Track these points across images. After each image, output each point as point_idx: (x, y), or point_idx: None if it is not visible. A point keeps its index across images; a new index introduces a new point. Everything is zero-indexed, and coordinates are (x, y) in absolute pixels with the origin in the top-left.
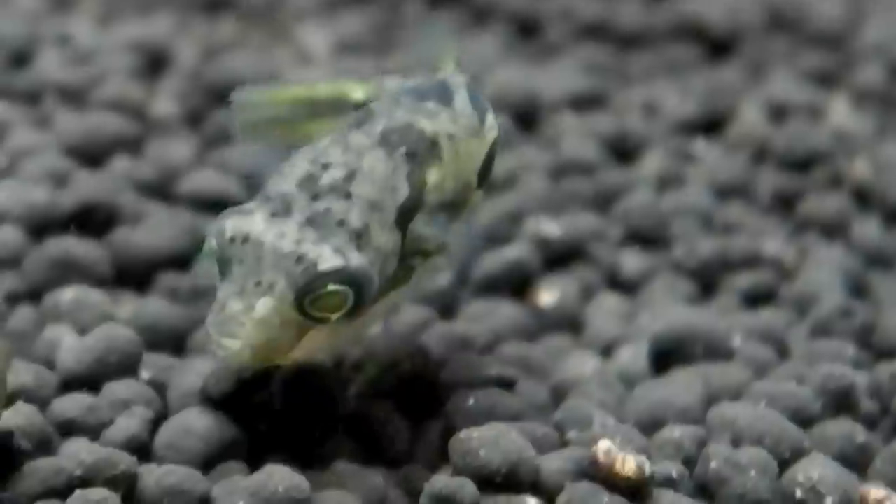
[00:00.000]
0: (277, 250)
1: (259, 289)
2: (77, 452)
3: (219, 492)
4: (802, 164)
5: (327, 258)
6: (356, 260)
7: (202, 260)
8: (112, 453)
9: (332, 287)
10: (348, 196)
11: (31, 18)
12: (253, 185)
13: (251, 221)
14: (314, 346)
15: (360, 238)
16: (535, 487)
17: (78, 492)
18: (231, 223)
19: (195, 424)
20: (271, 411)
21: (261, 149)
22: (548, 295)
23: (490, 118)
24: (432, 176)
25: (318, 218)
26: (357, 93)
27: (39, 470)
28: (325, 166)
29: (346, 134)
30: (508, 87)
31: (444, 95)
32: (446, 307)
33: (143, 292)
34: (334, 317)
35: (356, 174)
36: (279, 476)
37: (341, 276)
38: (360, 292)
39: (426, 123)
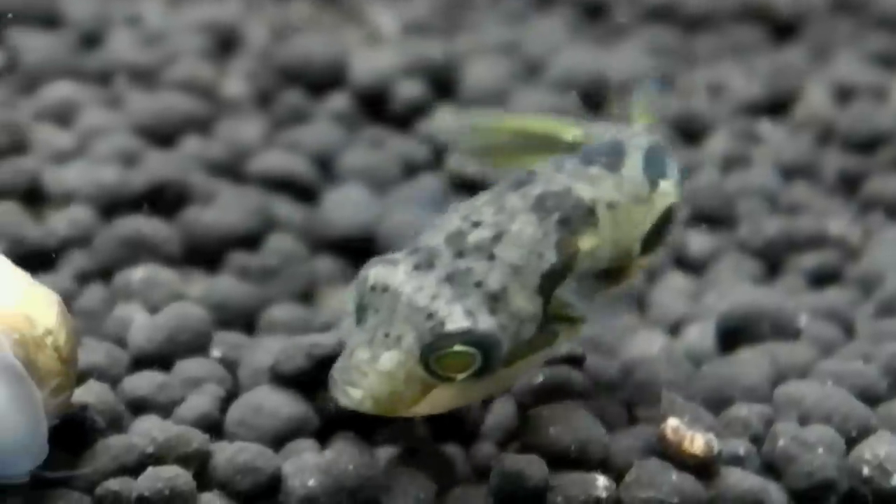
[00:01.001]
0: (412, 304)
1: (388, 340)
2: (149, 430)
3: (289, 469)
4: (867, 144)
5: (456, 318)
6: (485, 324)
7: (344, 311)
8: (184, 431)
9: (457, 348)
10: (492, 257)
11: (102, 0)
12: (325, 165)
13: (394, 272)
14: (439, 404)
15: (495, 301)
16: (604, 465)
17: (150, 469)
18: (374, 272)
19: (266, 402)
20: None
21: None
22: None
23: (666, 184)
24: (586, 243)
25: (457, 276)
26: (568, 134)
27: (112, 447)
28: (476, 224)
29: (503, 193)
30: (575, 68)
31: (614, 159)
32: None
33: (213, 271)
34: (459, 377)
35: (503, 236)
36: (349, 453)
37: (467, 337)
38: (486, 355)
39: (585, 190)
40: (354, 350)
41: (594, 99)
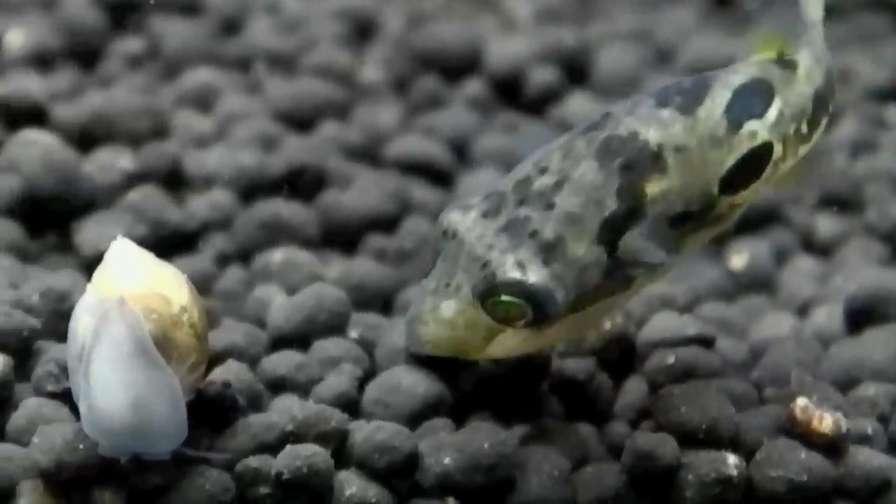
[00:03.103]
0: (472, 252)
1: (448, 289)
2: (289, 408)
3: (426, 447)
4: None
5: (507, 269)
6: (535, 276)
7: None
8: (323, 409)
9: (505, 298)
10: (550, 206)
11: None
12: (460, 150)
13: (465, 218)
14: (511, 348)
15: (549, 251)
16: (735, 444)
17: (289, 447)
18: (449, 217)
19: (403, 381)
20: (476, 369)
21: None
22: (738, 258)
23: (756, 124)
24: (653, 188)
25: (515, 224)
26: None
27: (251, 426)
28: (542, 171)
29: (574, 138)
30: (705, 55)
31: (691, 99)
32: None
33: (351, 253)
34: (515, 325)
35: (564, 183)
36: (485, 432)
37: (516, 289)
38: (538, 307)
39: (653, 133)
40: (422, 299)
41: None
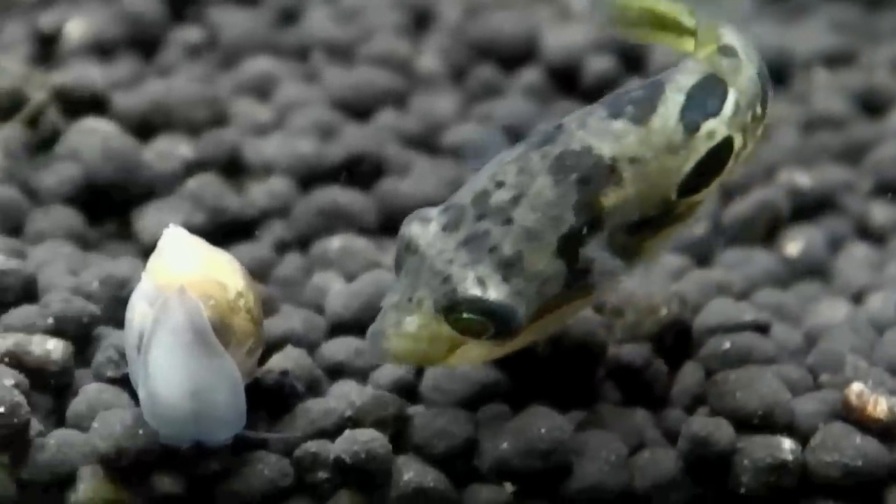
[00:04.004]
0: (433, 267)
1: (411, 305)
2: (347, 394)
3: (483, 433)
4: None
5: (468, 285)
6: (495, 293)
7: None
8: (381, 395)
9: (467, 315)
10: (509, 221)
11: None
12: (517, 138)
13: (426, 232)
14: (472, 357)
15: (508, 267)
16: (790, 429)
17: (347, 432)
18: (410, 230)
19: (460, 367)
20: (534, 355)
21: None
22: (793, 245)
23: (714, 123)
24: (610, 200)
25: (475, 239)
26: (688, 22)
27: (310, 411)
28: (499, 185)
29: (528, 151)
30: (761, 44)
31: (644, 108)
32: (702, 255)
33: None
34: (480, 338)
35: (521, 199)
36: (541, 417)
37: (477, 306)
38: (499, 323)
39: (606, 147)
40: (386, 312)
41: (778, 75)
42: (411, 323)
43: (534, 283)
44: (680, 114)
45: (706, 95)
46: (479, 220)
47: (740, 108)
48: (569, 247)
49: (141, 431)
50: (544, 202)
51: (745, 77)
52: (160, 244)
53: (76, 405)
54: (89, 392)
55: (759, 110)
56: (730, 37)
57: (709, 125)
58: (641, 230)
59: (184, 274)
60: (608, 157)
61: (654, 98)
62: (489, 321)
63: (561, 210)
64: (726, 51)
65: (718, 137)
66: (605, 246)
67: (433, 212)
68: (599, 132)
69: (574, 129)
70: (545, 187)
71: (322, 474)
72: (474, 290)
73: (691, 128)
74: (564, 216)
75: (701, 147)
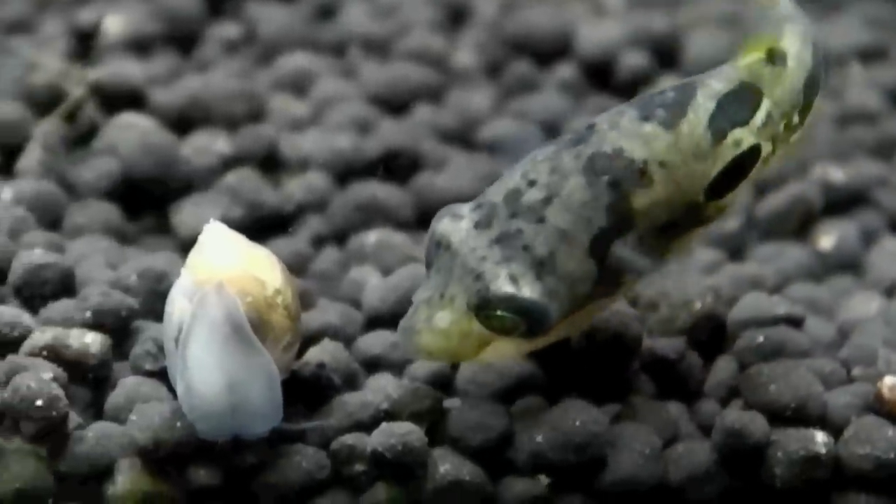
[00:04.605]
0: (465, 264)
1: (442, 300)
2: (384, 387)
3: (518, 426)
4: None
5: (501, 283)
6: (528, 290)
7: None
8: (418, 388)
9: (500, 313)
10: (541, 220)
11: None
12: (553, 133)
13: (457, 228)
14: (502, 354)
15: (541, 266)
16: (823, 421)
17: (384, 425)
18: (441, 227)
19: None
20: (569, 349)
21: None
22: (826, 239)
23: (741, 132)
24: (640, 201)
25: (507, 237)
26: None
27: (347, 404)
28: (531, 183)
29: (560, 151)
30: None
31: (675, 112)
32: (736, 249)
33: None
34: (512, 335)
35: (554, 199)
36: (576, 410)
37: (510, 304)
38: (532, 321)
39: (637, 150)
40: (417, 309)
41: None
42: (442, 319)
43: (566, 283)
44: (709, 121)
45: (737, 104)
46: (512, 219)
47: (772, 118)
48: (600, 248)
49: (178, 424)
50: (577, 203)
51: (786, 87)
52: (200, 239)
53: (115, 398)
54: (127, 385)
55: (795, 118)
56: (789, 38)
57: (736, 134)
58: (670, 231)
59: (223, 270)
60: (639, 160)
61: (684, 103)
62: (521, 319)
63: (593, 211)
64: (774, 56)
65: (745, 146)
66: (634, 246)
67: (464, 208)
68: (631, 134)
69: (606, 130)
70: (578, 188)
71: (358, 467)
72: (507, 288)
73: (719, 135)
74: (596, 218)
75: (727, 154)
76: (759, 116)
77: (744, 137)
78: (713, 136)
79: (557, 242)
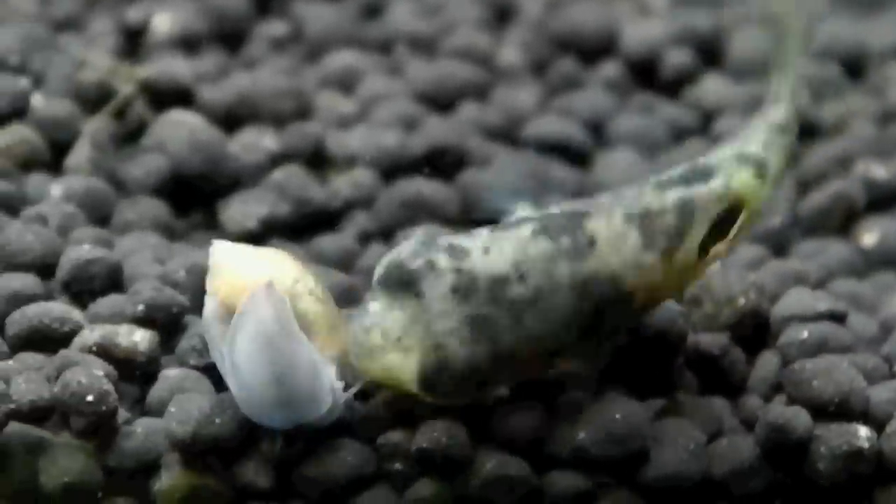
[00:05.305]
0: (429, 328)
1: (398, 344)
2: None
3: (562, 421)
4: None
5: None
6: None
7: None
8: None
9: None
10: (518, 321)
11: None
12: (597, 130)
13: (435, 279)
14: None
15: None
16: (866, 416)
17: (428, 421)
18: (418, 264)
19: None
20: (613, 344)
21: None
22: (869, 236)
23: (720, 247)
24: (611, 318)
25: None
26: None
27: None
28: (521, 278)
29: (558, 253)
30: (837, 38)
31: (675, 241)
32: (779, 246)
33: None
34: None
35: (539, 303)
36: (616, 403)
37: None
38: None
39: (631, 278)
40: (369, 330)
41: (854, 68)
42: (392, 360)
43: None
44: (699, 246)
45: (725, 224)
46: (490, 305)
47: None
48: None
49: (218, 420)
50: (560, 317)
51: (761, 197)
52: (211, 263)
53: (157, 391)
54: (170, 378)
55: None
56: (774, 151)
57: (717, 248)
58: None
59: (242, 284)
60: (630, 288)
61: (683, 230)
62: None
63: (567, 330)
64: (763, 172)
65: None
66: None
67: (441, 253)
68: (630, 263)
69: (606, 251)
70: (564, 304)
71: (403, 463)
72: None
73: (702, 255)
74: (566, 335)
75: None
76: (734, 229)
77: (721, 250)
78: (699, 256)
79: (522, 345)
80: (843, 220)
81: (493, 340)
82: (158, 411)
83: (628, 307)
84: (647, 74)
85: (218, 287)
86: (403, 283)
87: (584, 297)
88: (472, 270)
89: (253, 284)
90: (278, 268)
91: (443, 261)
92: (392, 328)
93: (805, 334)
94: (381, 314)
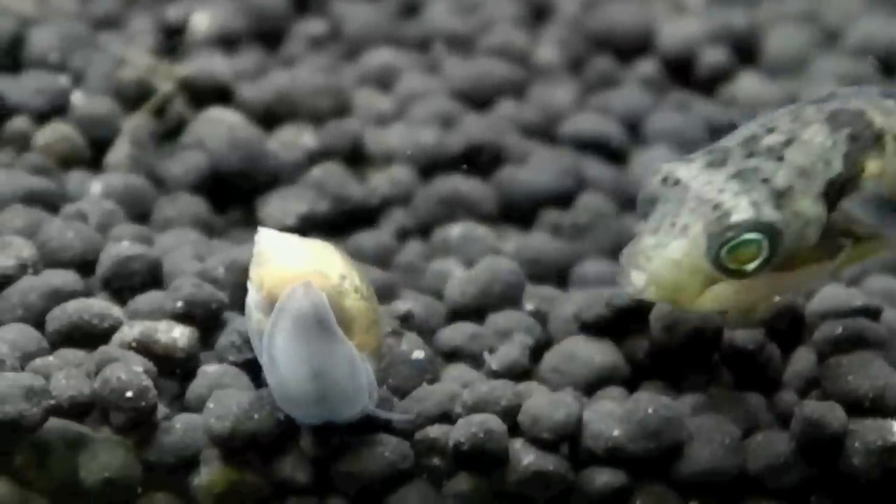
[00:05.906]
0: (700, 196)
1: (674, 229)
2: (464, 378)
3: (593, 415)
4: None
5: (742, 210)
6: (769, 215)
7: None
8: (498, 380)
9: (746, 236)
10: (780, 159)
11: None
12: (633, 128)
13: (686, 168)
14: (718, 300)
15: (780, 198)
16: None
17: (465, 416)
18: (668, 167)
19: (579, 350)
20: (649, 340)
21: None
22: None
23: None
24: (871, 166)
25: (746, 173)
26: None
27: (428, 395)
28: (770, 130)
29: (802, 107)
30: (873, 36)
31: None
32: None
33: (527, 228)
34: (748, 267)
35: (794, 141)
36: (649, 398)
37: (752, 226)
38: (774, 241)
39: (878, 118)
40: (642, 236)
41: (892, 66)
42: (677, 248)
43: (798, 222)
44: None
45: None
46: (748, 158)
47: None
48: (832, 193)
49: (257, 415)
50: (817, 145)
51: None
52: (256, 251)
53: (196, 387)
54: (209, 374)
55: None
56: None
57: None
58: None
59: (287, 276)
60: (878, 125)
61: None
62: (765, 238)
63: (831, 155)
64: None
65: None
66: (862, 206)
67: (693, 155)
68: (873, 104)
69: (849, 95)
70: (819, 132)
71: (440, 458)
72: (748, 213)
73: None
74: (833, 162)
75: None
76: None
77: None
78: None
79: (795, 178)
80: None
81: (766, 183)
82: (197, 407)
83: (881, 151)
84: (682, 72)
85: (262, 277)
86: (660, 183)
87: (836, 125)
88: (719, 147)
89: (299, 277)
90: (325, 261)
91: (693, 156)
92: (659, 222)
93: (840, 330)
94: (646, 223)
